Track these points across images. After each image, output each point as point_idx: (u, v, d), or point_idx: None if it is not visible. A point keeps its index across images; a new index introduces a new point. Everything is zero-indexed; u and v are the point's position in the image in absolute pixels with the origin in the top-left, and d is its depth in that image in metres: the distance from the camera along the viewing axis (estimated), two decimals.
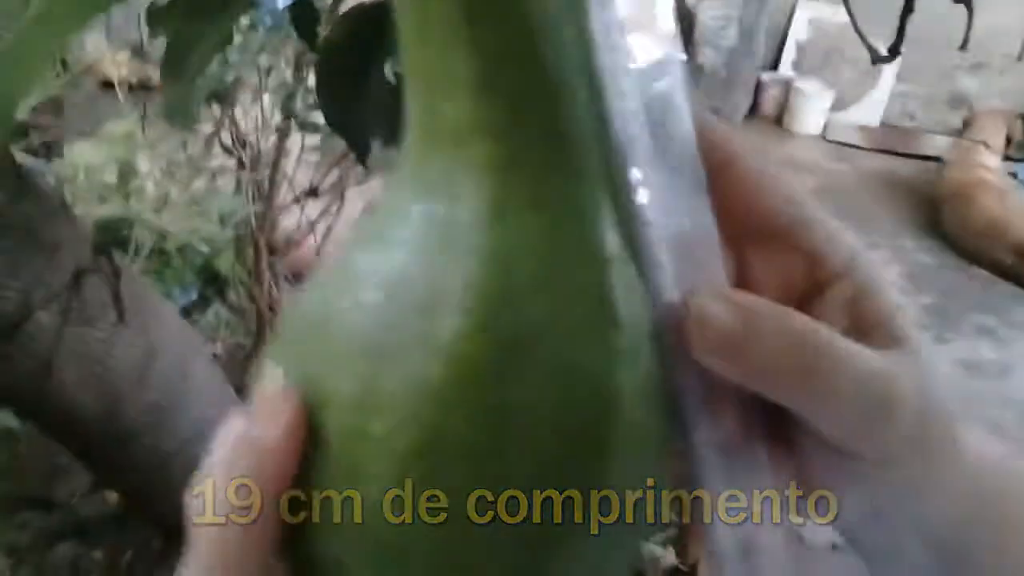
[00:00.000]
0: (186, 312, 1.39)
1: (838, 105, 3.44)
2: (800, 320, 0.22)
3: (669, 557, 1.38)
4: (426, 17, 0.20)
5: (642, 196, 0.22)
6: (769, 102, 3.53)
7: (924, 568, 0.28)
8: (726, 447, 0.23)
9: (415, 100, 0.21)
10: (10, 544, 1.28)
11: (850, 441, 0.24)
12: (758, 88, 3.51)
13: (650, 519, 0.21)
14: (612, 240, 0.21)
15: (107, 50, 1.43)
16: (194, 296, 1.44)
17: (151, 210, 1.08)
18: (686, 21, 3.59)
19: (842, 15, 0.75)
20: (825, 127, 3.44)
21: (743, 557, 0.23)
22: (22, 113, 0.96)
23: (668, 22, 0.23)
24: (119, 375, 0.78)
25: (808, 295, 0.25)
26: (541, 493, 0.19)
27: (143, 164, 1.18)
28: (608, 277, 0.20)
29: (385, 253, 0.20)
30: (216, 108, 1.12)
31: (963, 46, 0.59)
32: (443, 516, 0.19)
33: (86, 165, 1.10)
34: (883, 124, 3.47)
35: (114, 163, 1.14)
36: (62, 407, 0.75)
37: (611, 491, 0.20)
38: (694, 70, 3.51)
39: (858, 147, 3.37)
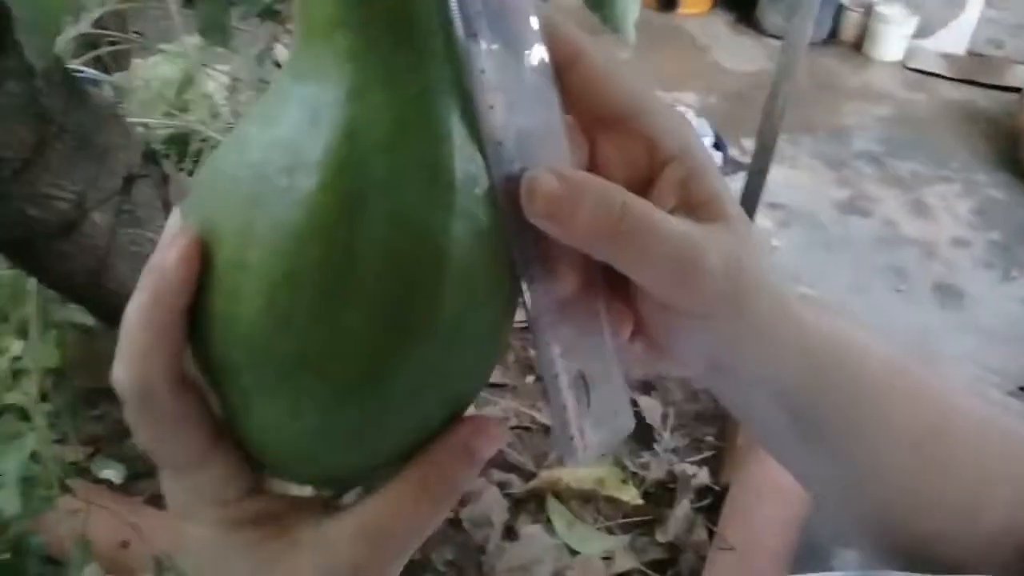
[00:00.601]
0: None
1: (921, 32, 3.31)
2: (618, 191, 0.26)
3: (702, 476, 1.43)
4: None
5: (488, 83, 0.26)
6: (849, 27, 3.41)
7: (781, 426, 0.32)
8: (562, 299, 0.27)
9: (298, 6, 0.26)
10: (89, 435, 1.39)
11: (667, 295, 0.28)
12: (838, 12, 3.39)
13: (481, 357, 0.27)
14: (454, 117, 0.25)
15: None
16: None
17: (208, 121, 1.14)
18: None
19: None
20: (906, 54, 3.32)
21: (573, 383, 0.27)
22: (85, 27, 1.01)
23: None
24: None
25: (648, 177, 0.29)
26: (379, 312, 0.24)
27: (206, 78, 1.23)
28: (446, 147, 0.25)
29: (268, 126, 0.26)
30: (268, 25, 1.15)
31: None
32: (299, 327, 0.24)
33: (148, 77, 1.16)
34: (968, 52, 3.33)
35: (176, 77, 1.19)
36: (118, 300, 0.82)
37: (442, 317, 0.25)
38: None
39: (940, 76, 3.25)
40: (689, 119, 2.39)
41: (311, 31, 0.26)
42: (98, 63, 1.20)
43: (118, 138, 0.75)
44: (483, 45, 0.25)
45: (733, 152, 2.54)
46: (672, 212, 0.28)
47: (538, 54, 0.27)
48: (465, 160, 0.25)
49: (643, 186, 0.29)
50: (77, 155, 0.71)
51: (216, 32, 0.69)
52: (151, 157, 0.79)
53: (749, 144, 2.50)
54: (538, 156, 0.26)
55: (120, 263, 0.79)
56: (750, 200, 2.34)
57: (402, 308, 0.24)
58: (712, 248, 0.27)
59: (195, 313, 0.25)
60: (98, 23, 1.18)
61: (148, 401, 0.25)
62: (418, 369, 0.25)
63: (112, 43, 1.19)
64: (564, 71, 0.28)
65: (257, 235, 0.24)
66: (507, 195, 0.26)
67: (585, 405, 0.28)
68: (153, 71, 1.21)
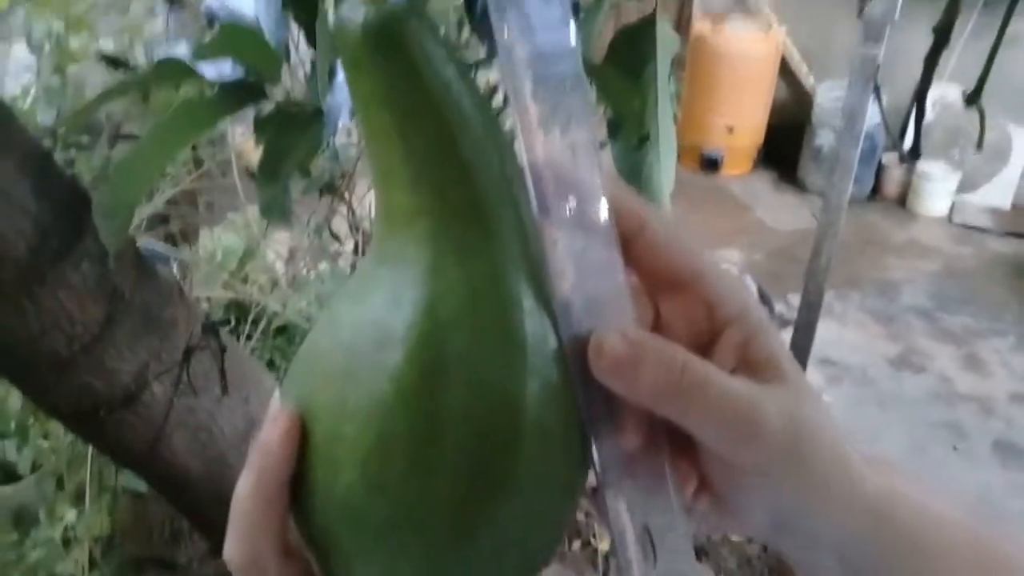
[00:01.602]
0: None
1: (965, 186, 3.35)
2: (679, 351, 0.28)
3: None
4: (372, 128, 0.29)
5: (558, 255, 0.28)
6: (891, 184, 3.47)
7: None
8: (628, 454, 0.29)
9: (377, 189, 0.29)
10: None
11: (727, 451, 0.29)
12: (880, 170, 3.46)
13: (561, 503, 0.29)
14: (524, 286, 0.28)
15: (252, 138, 1.58)
16: None
17: (269, 291, 1.18)
18: (805, 102, 3.60)
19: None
20: (952, 209, 3.34)
21: (639, 538, 0.29)
22: (157, 207, 1.08)
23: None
24: (223, 441, 0.86)
25: (710, 338, 0.31)
26: (464, 474, 0.26)
27: (271, 248, 1.29)
28: (517, 314, 0.28)
29: (355, 306, 0.29)
30: (329, 199, 1.22)
31: None
32: (392, 492, 0.26)
33: (213, 250, 1.22)
34: (1014, 206, 3.35)
35: (239, 248, 1.25)
36: (173, 469, 0.84)
37: (522, 474, 0.27)
38: (813, 150, 3.50)
39: (987, 230, 3.26)
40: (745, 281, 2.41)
41: (391, 218, 0.29)
42: (169, 237, 1.27)
43: (181, 312, 0.79)
44: (554, 219, 0.28)
45: (780, 308, 2.55)
46: (732, 372, 0.30)
47: (604, 223, 0.29)
48: (535, 323, 0.28)
49: (705, 347, 0.31)
50: (142, 330, 0.75)
51: (276, 213, 0.74)
52: (210, 329, 0.83)
53: (795, 299, 2.50)
54: (605, 318, 0.29)
55: (176, 432, 0.82)
56: (799, 356, 2.33)
57: (485, 470, 0.26)
58: (770, 406, 0.29)
59: (298, 484, 0.28)
60: (170, 200, 1.26)
61: (258, 572, 0.28)
62: (501, 527, 0.27)
63: (183, 218, 1.27)
64: (629, 240, 0.30)
65: (350, 408, 0.27)
66: (576, 354, 0.28)
67: (651, 562, 0.29)
68: (217, 243, 1.28)
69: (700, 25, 3.57)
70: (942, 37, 0.55)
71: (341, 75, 0.73)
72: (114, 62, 1.10)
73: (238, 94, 0.66)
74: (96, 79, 1.19)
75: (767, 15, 3.49)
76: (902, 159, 0.80)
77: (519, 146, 0.29)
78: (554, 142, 0.28)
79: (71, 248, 0.67)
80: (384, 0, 0.27)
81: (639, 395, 0.28)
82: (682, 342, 0.29)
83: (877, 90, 0.82)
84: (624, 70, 0.77)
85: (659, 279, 0.32)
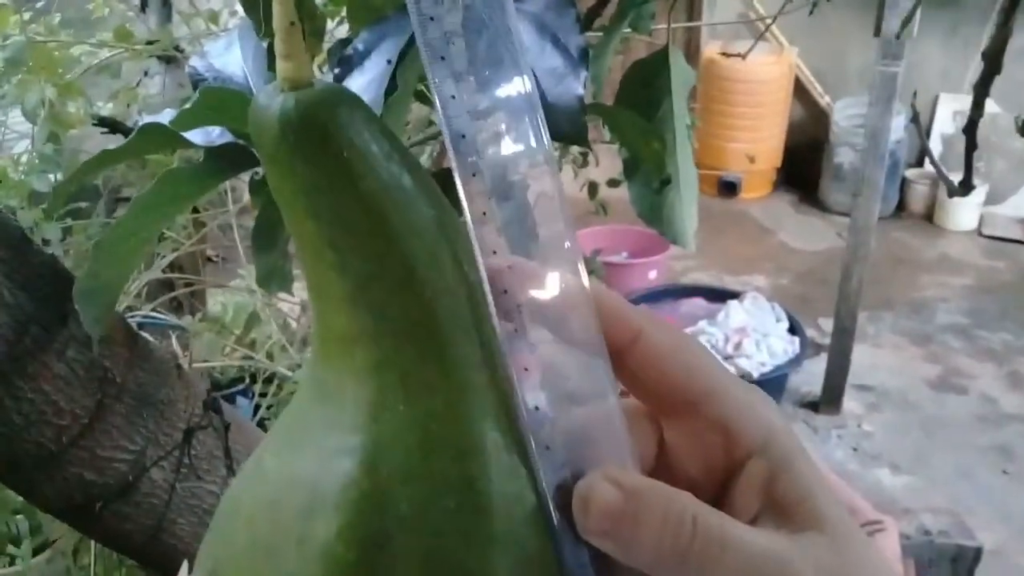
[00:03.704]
0: None
1: (993, 198, 3.27)
2: (688, 501, 0.22)
3: None
4: (298, 236, 0.23)
5: (530, 380, 0.22)
6: (916, 199, 3.40)
7: None
8: None
9: (313, 309, 0.24)
10: None
11: None
12: (904, 185, 3.39)
13: None
14: (489, 427, 0.22)
15: None
16: None
17: (279, 352, 1.14)
18: (822, 121, 3.55)
19: (989, 106, 0.73)
20: (980, 222, 3.26)
21: None
22: (156, 273, 1.04)
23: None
24: None
25: (726, 471, 0.25)
26: None
27: (274, 311, 1.25)
28: (479, 465, 0.22)
29: (286, 455, 0.23)
30: None
31: None
32: None
33: (219, 315, 1.18)
34: None
35: (245, 311, 1.21)
36: (177, 556, 0.79)
37: None
38: (832, 169, 3.44)
39: (1019, 241, 3.17)
40: (763, 305, 2.35)
41: (327, 344, 0.24)
42: (174, 302, 1.23)
43: (179, 391, 0.75)
44: (521, 329, 0.23)
45: (811, 334, 2.47)
46: (756, 519, 0.24)
47: (589, 330, 0.24)
48: (503, 476, 0.22)
49: (721, 483, 0.25)
50: (137, 414, 0.70)
51: (275, 281, 0.69)
52: (212, 405, 0.78)
53: (826, 324, 2.43)
54: (593, 455, 0.23)
55: (179, 518, 0.76)
56: (835, 384, 2.25)
57: None
58: (807, 566, 0.23)
59: None
60: (173, 264, 1.22)
61: None
62: None
63: (187, 284, 1.23)
64: (623, 352, 0.24)
65: None
66: (558, 508, 0.22)
67: None
68: (223, 308, 1.24)
69: (710, 50, 3.54)
70: (993, 63, 0.50)
71: None
72: (111, 125, 1.06)
73: (226, 161, 0.61)
74: (93, 144, 1.16)
75: (777, 36, 3.45)
76: (951, 194, 0.75)
77: (467, 226, 0.23)
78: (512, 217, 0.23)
79: (55, 335, 0.62)
80: (308, 83, 0.22)
81: (638, 560, 0.22)
82: (692, 479, 0.24)
83: (916, 117, 0.77)
84: (638, 108, 0.72)
85: (662, 399, 0.25)
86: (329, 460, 0.22)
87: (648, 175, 0.72)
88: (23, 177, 1.08)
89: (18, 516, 1.13)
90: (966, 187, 0.53)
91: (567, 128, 0.44)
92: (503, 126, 0.22)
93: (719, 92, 3.50)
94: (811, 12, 1.06)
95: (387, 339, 0.23)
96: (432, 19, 0.21)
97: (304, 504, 0.22)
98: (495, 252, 0.22)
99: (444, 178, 0.25)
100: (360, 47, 0.48)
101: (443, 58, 0.21)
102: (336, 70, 0.50)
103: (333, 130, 0.22)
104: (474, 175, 0.22)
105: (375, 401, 0.22)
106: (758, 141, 3.55)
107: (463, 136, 0.22)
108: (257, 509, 0.23)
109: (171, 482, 0.74)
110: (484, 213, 0.22)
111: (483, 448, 0.22)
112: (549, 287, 0.23)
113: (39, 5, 1.25)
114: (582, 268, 0.23)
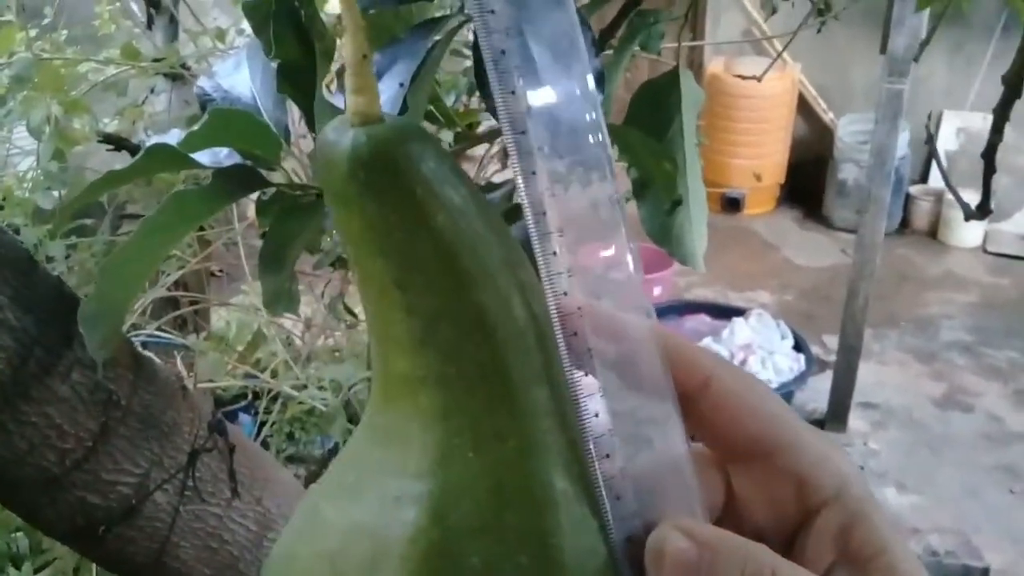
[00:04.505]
0: (333, 454, 1.44)
1: (997, 215, 3.26)
2: (765, 555, 0.22)
3: None
4: (364, 275, 0.23)
5: (600, 426, 0.22)
6: (920, 216, 3.39)
7: None
8: None
9: (374, 353, 0.23)
10: None
11: None
12: (908, 202, 3.38)
13: None
14: (559, 477, 0.21)
15: None
16: (336, 441, 1.50)
17: (284, 371, 1.13)
18: (825, 137, 3.55)
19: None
20: (985, 239, 3.26)
21: None
22: (161, 292, 1.03)
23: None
24: (235, 546, 0.80)
25: (798, 521, 0.24)
26: None
27: (279, 329, 1.24)
28: (553, 518, 0.21)
29: (345, 503, 0.22)
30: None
31: None
32: None
33: (222, 332, 1.17)
34: None
35: (250, 330, 1.20)
36: None
37: None
38: (837, 185, 3.44)
39: (1023, 258, 3.17)
40: (768, 322, 2.35)
41: (389, 387, 0.23)
42: (179, 321, 1.22)
43: (184, 413, 0.74)
44: (597, 385, 0.22)
45: (816, 351, 2.47)
46: (830, 570, 0.24)
47: (657, 375, 0.23)
48: (575, 529, 0.21)
49: (791, 532, 0.25)
50: (141, 437, 0.69)
51: (282, 303, 0.68)
52: (217, 427, 0.77)
53: (831, 341, 2.43)
54: (663, 505, 0.22)
55: (183, 541, 0.75)
56: (840, 401, 2.24)
57: None
58: None
59: None
60: (178, 282, 1.21)
61: None
62: None
63: (192, 302, 1.22)
64: (692, 398, 0.24)
65: None
66: (630, 562, 0.22)
67: None
68: (227, 327, 1.23)
69: (713, 66, 3.54)
70: (1014, 87, 0.49)
71: None
72: (116, 143, 1.06)
73: (235, 182, 0.61)
74: (98, 160, 1.15)
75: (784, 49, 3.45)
76: (968, 217, 0.75)
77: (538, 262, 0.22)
78: (589, 262, 0.22)
79: (60, 358, 0.61)
80: (378, 118, 0.21)
81: None
82: (760, 528, 0.23)
83: (931, 139, 0.76)
84: (648, 129, 0.72)
85: (732, 446, 0.25)
86: (393, 508, 0.21)
87: (658, 195, 0.72)
88: (28, 195, 1.07)
89: (18, 534, 1.12)
90: (984, 211, 0.53)
91: None
92: (573, 170, 0.22)
93: (723, 108, 3.50)
94: (819, 31, 1.05)
95: (455, 383, 0.22)
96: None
97: (367, 555, 0.21)
98: (566, 294, 0.22)
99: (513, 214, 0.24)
100: (374, 69, 0.47)
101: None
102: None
103: (406, 167, 0.21)
104: (544, 213, 0.22)
105: (442, 446, 0.21)
106: (762, 157, 3.55)
107: (533, 173, 0.21)
108: (315, 562, 0.22)
109: (175, 505, 0.73)
110: (555, 253, 0.22)
111: (555, 500, 0.21)
112: (619, 331, 0.22)
113: (45, 22, 1.25)
114: (652, 312, 0.23)
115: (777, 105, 3.50)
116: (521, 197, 0.22)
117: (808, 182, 3.58)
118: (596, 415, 0.22)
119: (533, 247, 0.22)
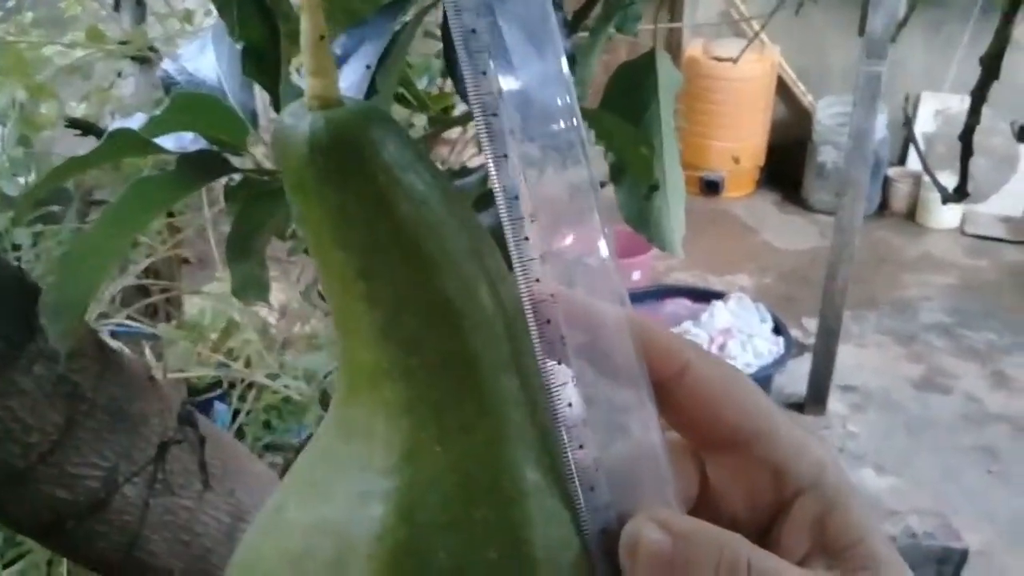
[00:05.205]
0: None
1: (975, 196, 3.28)
2: (742, 545, 0.21)
3: None
4: (325, 265, 0.22)
5: (574, 416, 0.21)
6: (899, 198, 3.41)
7: None
8: None
9: (340, 344, 0.23)
10: None
11: None
12: (886, 184, 3.40)
13: None
14: (530, 468, 0.21)
15: None
16: (311, 431, 1.48)
17: (258, 361, 1.12)
18: (804, 120, 3.55)
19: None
20: (963, 220, 3.28)
21: None
22: (130, 280, 1.01)
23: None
24: (207, 538, 0.79)
25: (774, 510, 0.24)
26: None
27: (253, 317, 1.22)
28: (523, 511, 0.20)
29: (309, 500, 0.21)
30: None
31: None
32: None
33: (194, 321, 1.15)
34: None
35: (222, 318, 1.18)
36: (153, 573, 0.76)
37: None
38: (816, 167, 3.45)
39: (1001, 240, 3.19)
40: (747, 306, 2.35)
41: (355, 379, 0.22)
42: (150, 309, 1.20)
43: (152, 404, 0.72)
44: (570, 374, 0.21)
45: (795, 334, 2.47)
46: (805, 559, 0.23)
47: (631, 363, 0.22)
48: (547, 522, 0.21)
49: (768, 521, 0.24)
50: (108, 430, 0.68)
51: (251, 291, 0.67)
52: (187, 419, 0.75)
53: (810, 323, 2.44)
54: (638, 495, 0.22)
55: (153, 535, 0.74)
56: (819, 384, 2.25)
57: None
58: None
59: None
60: (149, 269, 1.19)
61: None
62: None
63: (164, 290, 1.20)
64: (667, 386, 0.23)
65: None
66: (604, 553, 0.21)
67: None
68: (200, 314, 1.21)
69: (692, 48, 3.53)
70: (992, 69, 0.49)
71: None
72: (84, 127, 1.04)
73: (199, 168, 0.59)
74: (65, 146, 1.13)
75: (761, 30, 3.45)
76: (946, 200, 0.75)
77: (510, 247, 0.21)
78: (560, 245, 0.22)
79: (21, 351, 0.60)
80: (337, 102, 0.20)
81: None
82: (735, 517, 0.23)
83: (909, 122, 0.76)
84: (624, 112, 0.71)
85: (708, 435, 0.24)
86: (359, 505, 0.20)
87: (635, 180, 0.71)
88: None
89: None
90: (961, 194, 0.52)
91: None
92: (546, 154, 0.21)
93: (701, 91, 3.49)
94: (796, 12, 1.04)
95: (420, 374, 0.21)
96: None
97: (333, 554, 0.20)
98: (538, 280, 0.21)
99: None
100: (338, 52, 0.46)
101: (506, 156, 0.21)
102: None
103: (366, 153, 0.21)
104: (517, 199, 0.21)
105: (408, 441, 0.21)
106: (741, 140, 3.55)
107: (505, 156, 0.21)
108: (280, 563, 0.21)
109: (144, 498, 0.71)
110: (527, 239, 0.21)
111: (525, 492, 0.21)
112: (593, 318, 0.22)
113: (10, 4, 1.22)
114: (626, 299, 0.22)
115: (756, 88, 3.50)
116: (493, 181, 0.21)
117: (787, 165, 3.59)
118: (569, 405, 0.21)
119: (505, 233, 0.21)
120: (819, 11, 3.07)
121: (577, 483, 0.21)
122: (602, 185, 0.86)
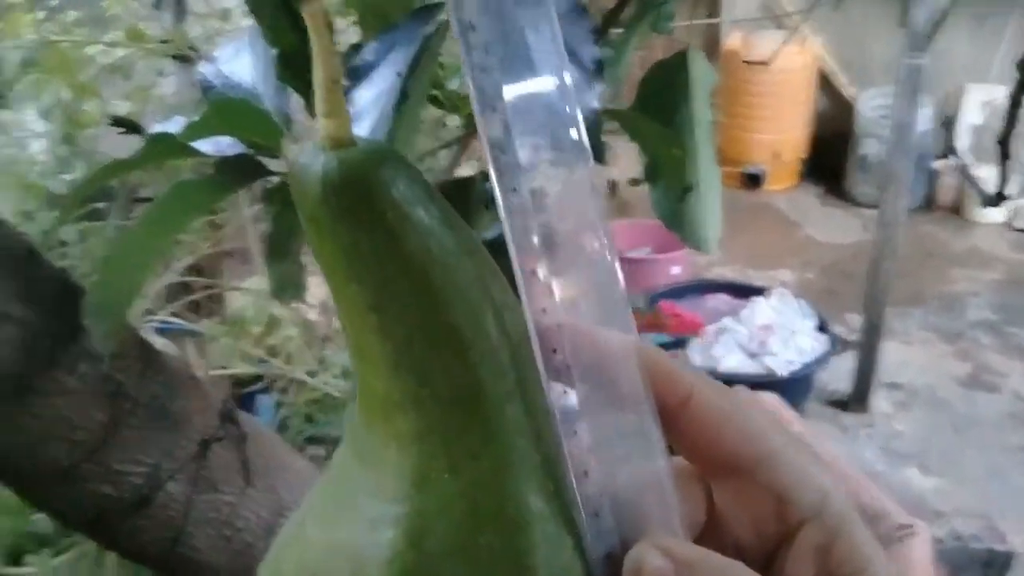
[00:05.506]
0: None
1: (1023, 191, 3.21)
2: (743, 573, 0.21)
3: None
4: (339, 298, 0.23)
5: (578, 443, 0.22)
6: (945, 191, 3.34)
7: None
8: None
9: (356, 373, 0.24)
10: None
11: None
12: (932, 177, 3.33)
13: None
14: (534, 495, 0.22)
15: None
16: None
17: (299, 357, 1.13)
18: (847, 112, 3.50)
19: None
20: (1011, 214, 3.20)
21: None
22: (173, 277, 1.03)
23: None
24: (248, 533, 0.80)
25: (779, 536, 0.24)
26: None
27: (293, 313, 1.24)
28: (527, 537, 0.21)
29: (328, 522, 0.23)
30: None
31: None
32: None
33: (237, 317, 1.17)
34: None
35: (264, 312, 1.20)
36: (196, 567, 0.78)
37: None
38: (858, 160, 3.40)
39: None
40: (789, 302, 2.32)
41: (369, 408, 0.23)
42: (193, 306, 1.23)
43: (194, 402, 0.74)
44: (574, 399, 0.22)
45: (839, 330, 2.44)
46: None
47: (637, 388, 0.23)
48: (551, 548, 0.21)
49: (771, 548, 0.24)
50: (151, 427, 0.69)
51: (289, 291, 0.68)
52: (228, 416, 0.77)
53: (854, 319, 2.40)
54: (642, 521, 0.22)
55: (197, 530, 0.76)
56: (863, 382, 2.22)
57: None
58: None
59: None
60: (192, 267, 1.21)
61: None
62: None
63: (207, 287, 1.22)
64: (673, 413, 0.24)
65: None
66: None
67: None
68: (242, 310, 1.23)
69: (731, 41, 3.49)
70: None
71: None
72: (127, 126, 1.06)
73: (237, 171, 0.60)
74: (108, 143, 1.15)
75: (801, 27, 3.40)
76: (986, 204, 0.74)
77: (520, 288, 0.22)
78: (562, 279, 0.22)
79: (66, 350, 0.61)
80: (350, 142, 0.21)
81: None
82: (741, 544, 0.23)
83: (949, 122, 0.74)
84: (657, 113, 0.70)
85: (713, 461, 0.24)
86: (371, 530, 0.21)
87: (670, 183, 0.70)
88: (39, 180, 1.07)
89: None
90: (1001, 197, 0.51)
91: None
92: (554, 179, 0.22)
93: (741, 84, 3.46)
94: (835, 8, 1.03)
95: (430, 404, 0.22)
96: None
97: (346, 575, 0.21)
98: (545, 311, 0.22)
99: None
100: (369, 58, 0.46)
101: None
102: (345, 82, 0.49)
103: (377, 192, 0.22)
104: (525, 232, 0.21)
105: (418, 468, 0.22)
106: (782, 132, 3.51)
107: (514, 189, 0.21)
108: None
109: (187, 495, 0.73)
110: (534, 272, 0.21)
111: (530, 518, 0.22)
112: (599, 346, 0.22)
113: (54, 4, 1.24)
114: (633, 327, 0.23)
115: (797, 80, 3.45)
116: (498, 205, 0.21)
117: (830, 158, 3.54)
118: (574, 432, 0.22)
119: (512, 262, 0.21)
120: (861, 2, 3.03)
121: (581, 509, 0.22)
122: (636, 183, 0.85)
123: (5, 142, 1.14)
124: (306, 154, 0.22)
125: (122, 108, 1.19)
